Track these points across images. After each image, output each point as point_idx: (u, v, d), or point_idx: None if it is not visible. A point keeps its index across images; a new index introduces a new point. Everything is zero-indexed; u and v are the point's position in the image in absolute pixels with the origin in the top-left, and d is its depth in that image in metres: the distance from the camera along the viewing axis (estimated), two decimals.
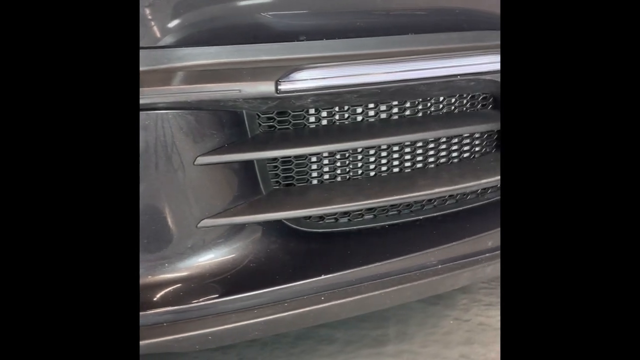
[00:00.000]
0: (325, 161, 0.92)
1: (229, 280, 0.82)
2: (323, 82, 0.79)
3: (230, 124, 0.82)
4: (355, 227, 0.94)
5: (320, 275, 0.84)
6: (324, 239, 0.91)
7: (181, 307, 0.79)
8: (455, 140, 0.99)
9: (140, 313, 0.77)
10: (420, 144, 0.96)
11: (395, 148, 0.95)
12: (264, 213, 0.84)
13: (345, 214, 0.94)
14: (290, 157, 0.89)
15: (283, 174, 0.90)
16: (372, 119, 0.92)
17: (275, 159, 0.88)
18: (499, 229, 0.94)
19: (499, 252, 0.93)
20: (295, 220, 0.90)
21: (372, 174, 0.94)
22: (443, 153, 0.98)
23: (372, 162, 0.94)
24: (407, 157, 0.96)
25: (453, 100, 0.96)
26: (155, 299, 0.80)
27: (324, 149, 0.87)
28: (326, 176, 0.93)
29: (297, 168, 0.90)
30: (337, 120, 0.90)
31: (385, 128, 0.91)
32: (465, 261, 0.91)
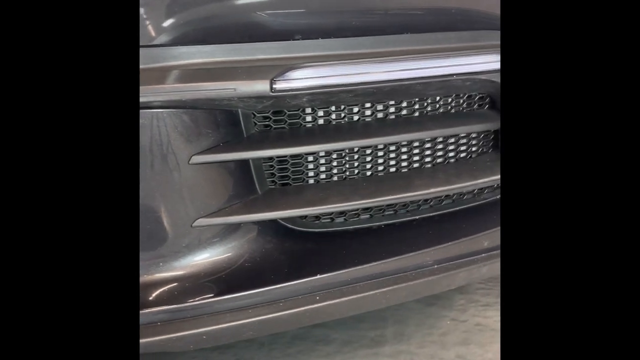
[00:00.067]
0: (322, 161, 0.92)
1: (224, 280, 0.82)
2: (318, 81, 0.79)
3: (226, 123, 0.81)
4: (351, 227, 0.94)
5: (316, 275, 0.84)
6: (319, 238, 0.91)
7: (176, 306, 0.79)
8: (452, 140, 0.98)
9: None
10: (416, 143, 0.96)
11: (392, 148, 0.94)
12: (259, 212, 0.84)
13: (341, 213, 0.94)
14: (285, 156, 0.88)
15: (279, 173, 0.89)
16: (368, 119, 0.92)
17: (271, 159, 0.88)
18: (496, 229, 0.94)
19: (495, 252, 0.93)
20: (291, 219, 0.90)
21: (368, 173, 0.94)
22: (439, 153, 0.98)
23: (369, 162, 0.94)
24: (404, 157, 0.95)
25: (450, 100, 0.96)
26: (149, 298, 0.80)
27: (319, 148, 0.87)
28: (322, 176, 0.92)
29: (292, 167, 0.90)
30: (333, 119, 0.90)
31: (382, 128, 0.91)
32: (461, 261, 0.91)
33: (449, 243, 0.91)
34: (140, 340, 0.76)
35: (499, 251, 0.94)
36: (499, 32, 0.86)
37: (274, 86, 0.76)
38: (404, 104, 0.93)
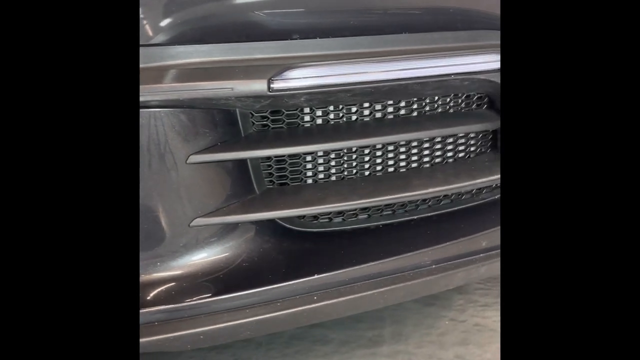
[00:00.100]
0: (320, 160, 0.91)
1: (221, 280, 0.82)
2: (316, 80, 0.79)
3: (223, 123, 0.81)
4: (349, 227, 0.94)
5: (313, 275, 0.84)
6: (317, 238, 0.91)
7: (173, 306, 0.79)
8: (450, 140, 0.98)
9: None
10: (415, 143, 0.96)
11: (390, 147, 0.94)
12: (257, 212, 0.84)
13: (340, 213, 0.93)
14: (283, 156, 0.88)
15: (277, 173, 0.89)
16: (366, 119, 0.92)
17: (268, 158, 0.88)
18: (494, 229, 0.94)
19: (493, 252, 0.93)
20: (289, 219, 0.89)
21: (366, 173, 0.94)
22: (438, 153, 0.98)
23: (367, 162, 0.94)
24: (402, 156, 0.95)
25: (448, 99, 0.96)
26: (147, 298, 0.79)
27: (317, 148, 0.86)
28: (320, 176, 0.92)
29: (290, 167, 0.90)
30: (331, 119, 0.90)
31: (380, 127, 0.91)
32: (459, 261, 0.91)
33: (447, 243, 0.91)
34: None
35: (497, 251, 0.94)
36: (497, 31, 0.86)
37: (271, 86, 0.76)
38: (403, 104, 0.93)
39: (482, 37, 0.86)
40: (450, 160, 0.99)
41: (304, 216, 0.91)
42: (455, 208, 0.98)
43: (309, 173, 0.92)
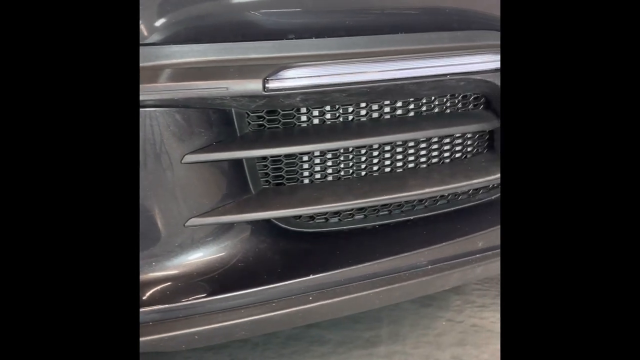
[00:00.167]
0: (316, 160, 0.91)
1: (216, 280, 0.82)
2: (311, 80, 0.79)
3: (219, 123, 0.81)
4: (345, 227, 0.93)
5: (309, 275, 0.83)
6: (313, 238, 0.91)
7: (168, 306, 0.79)
8: (447, 140, 0.98)
9: None
10: (411, 143, 0.95)
11: (387, 148, 0.94)
12: (253, 212, 0.84)
13: (336, 213, 0.93)
14: (279, 156, 0.88)
15: (273, 173, 0.89)
16: (363, 119, 0.92)
17: (264, 158, 0.88)
18: (490, 229, 0.94)
19: (489, 253, 0.93)
20: (285, 219, 0.89)
21: (362, 173, 0.94)
22: (434, 153, 0.98)
23: (363, 162, 0.93)
24: (398, 157, 0.95)
25: (445, 100, 0.96)
26: (142, 297, 0.79)
27: (314, 148, 0.86)
28: (317, 176, 0.92)
29: (286, 167, 0.89)
30: (328, 119, 0.90)
31: (376, 127, 0.90)
32: (455, 262, 0.91)
33: (444, 243, 0.91)
34: None
35: (493, 252, 0.93)
36: (493, 32, 0.86)
37: (266, 85, 0.76)
38: (399, 104, 0.93)
39: (479, 37, 0.86)
40: (447, 160, 0.99)
41: (300, 216, 0.91)
42: (452, 208, 0.98)
43: (305, 173, 0.91)
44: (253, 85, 0.76)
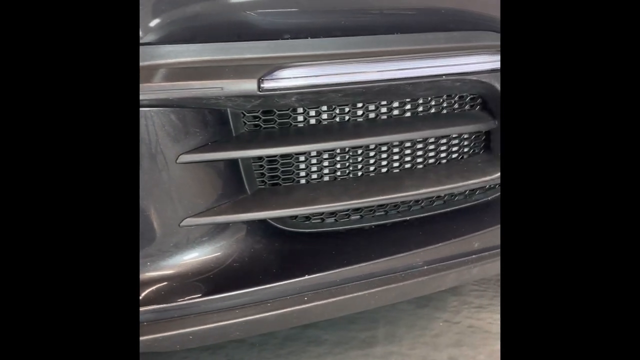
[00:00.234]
0: (312, 161, 0.91)
1: (211, 280, 0.82)
2: (307, 80, 0.78)
3: (214, 123, 0.81)
4: (341, 228, 0.93)
5: (304, 276, 0.83)
6: (309, 239, 0.91)
7: (162, 306, 0.79)
8: (444, 141, 0.98)
9: None
10: (407, 144, 0.95)
11: (383, 148, 0.94)
12: (248, 212, 0.84)
13: (332, 214, 0.93)
14: (275, 156, 0.88)
15: (269, 173, 0.89)
16: (359, 119, 0.92)
17: (260, 158, 0.88)
18: (486, 230, 0.94)
19: (485, 253, 0.93)
20: (281, 220, 0.89)
21: (359, 174, 0.94)
22: (431, 154, 0.98)
23: (359, 162, 0.93)
24: (394, 157, 0.95)
25: (441, 100, 0.96)
26: None
27: (310, 148, 0.86)
28: (313, 176, 0.92)
29: (282, 167, 0.89)
30: (324, 119, 0.90)
31: (372, 128, 0.90)
32: (451, 262, 0.90)
33: (440, 244, 0.91)
34: None
35: (490, 253, 0.93)
36: (489, 32, 0.85)
37: (261, 85, 0.76)
38: (395, 104, 0.93)
39: (475, 38, 0.86)
40: (443, 161, 0.99)
41: (296, 216, 0.91)
42: (448, 209, 0.98)
43: (301, 173, 0.91)
44: (248, 85, 0.76)
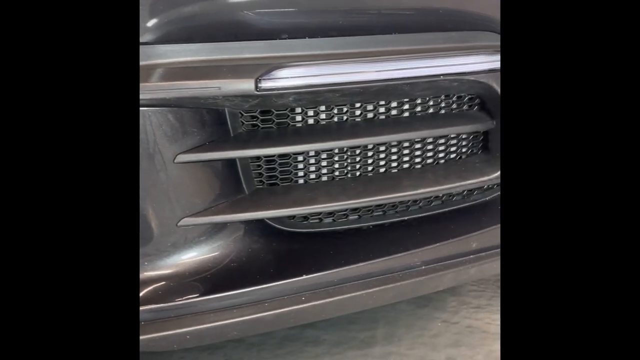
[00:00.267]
0: (310, 160, 0.91)
1: (209, 279, 0.82)
2: (304, 80, 0.78)
3: (212, 122, 0.81)
4: (339, 228, 0.93)
5: (302, 275, 0.83)
6: (307, 238, 0.91)
7: (160, 305, 0.79)
8: (442, 141, 0.98)
9: None
10: (405, 144, 0.95)
11: (381, 148, 0.94)
12: (246, 212, 0.84)
13: (330, 214, 0.93)
14: (273, 156, 0.88)
15: (266, 173, 0.89)
16: (357, 119, 0.92)
17: (258, 158, 0.88)
18: (484, 230, 0.93)
19: (483, 254, 0.92)
20: (279, 219, 0.89)
21: (357, 174, 0.94)
22: (429, 154, 0.97)
23: (357, 162, 0.93)
24: (392, 157, 0.95)
25: (439, 100, 0.96)
26: None
27: (308, 148, 0.86)
28: (311, 176, 0.92)
29: (280, 167, 0.89)
30: (322, 119, 0.90)
31: (370, 128, 0.90)
32: (449, 262, 0.90)
33: (437, 244, 0.91)
34: None
35: (487, 253, 0.93)
36: (486, 32, 0.85)
37: (259, 85, 0.76)
38: (394, 105, 0.93)
39: (472, 38, 0.86)
40: (441, 161, 0.99)
41: (294, 216, 0.91)
42: (446, 209, 0.98)
43: (299, 173, 0.91)
44: (245, 85, 0.76)
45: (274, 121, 0.87)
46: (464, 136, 0.99)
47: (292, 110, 0.88)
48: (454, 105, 0.97)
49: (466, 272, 0.92)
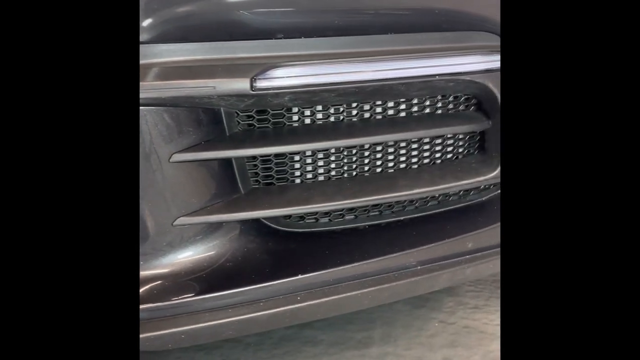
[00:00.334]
0: (306, 160, 0.91)
1: (204, 279, 0.82)
2: (300, 80, 0.79)
3: (208, 122, 0.81)
4: (335, 227, 0.93)
5: (297, 275, 0.83)
6: (303, 238, 0.91)
7: (155, 304, 0.79)
8: (438, 141, 0.98)
9: None
10: (402, 144, 0.95)
11: (377, 148, 0.94)
12: (241, 212, 0.84)
13: (326, 214, 0.93)
14: (269, 155, 0.88)
15: (262, 172, 0.89)
16: (353, 119, 0.92)
17: (254, 158, 0.88)
18: (480, 230, 0.93)
19: (479, 254, 0.92)
20: (274, 219, 0.89)
21: (353, 173, 0.94)
22: (425, 154, 0.97)
23: (353, 162, 0.93)
24: (389, 157, 0.95)
25: (435, 101, 0.96)
26: None
27: (303, 148, 0.86)
28: (308, 175, 0.92)
29: (276, 167, 0.89)
30: (318, 119, 0.90)
31: (366, 128, 0.90)
32: (444, 263, 0.90)
33: (433, 244, 0.91)
34: None
35: (483, 253, 0.93)
36: (482, 33, 0.85)
37: (254, 85, 0.76)
38: (390, 104, 0.93)
39: (468, 38, 0.86)
40: (438, 161, 0.99)
41: (290, 216, 0.91)
42: (442, 209, 0.98)
43: (295, 173, 0.91)
44: (241, 85, 0.76)
45: (270, 121, 0.87)
46: (460, 136, 0.99)
47: (288, 109, 0.88)
48: (450, 106, 0.97)
49: (462, 273, 0.92)
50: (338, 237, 0.92)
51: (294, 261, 0.86)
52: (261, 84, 0.76)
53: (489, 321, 1.18)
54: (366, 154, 0.94)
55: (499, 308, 1.22)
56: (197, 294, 0.80)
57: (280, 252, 0.87)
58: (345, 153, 0.92)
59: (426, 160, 0.98)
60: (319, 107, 0.89)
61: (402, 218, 0.95)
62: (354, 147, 0.92)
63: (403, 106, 0.94)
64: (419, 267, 0.89)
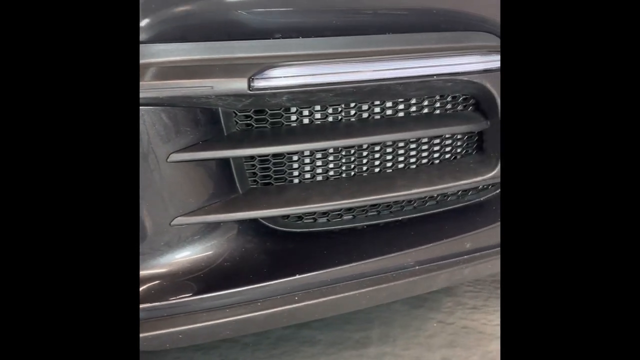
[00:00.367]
0: (304, 160, 0.91)
1: (202, 279, 0.82)
2: (297, 80, 0.78)
3: (205, 122, 0.81)
4: (333, 228, 0.93)
5: (295, 275, 0.83)
6: (301, 238, 0.91)
7: (153, 304, 0.79)
8: (436, 141, 0.98)
9: None
10: (400, 144, 0.95)
11: (376, 148, 0.94)
12: (239, 212, 0.84)
13: (324, 214, 0.93)
14: (267, 155, 0.88)
15: (260, 172, 0.89)
16: (351, 119, 0.92)
17: (252, 158, 0.88)
18: (478, 231, 0.93)
19: (477, 254, 0.92)
20: (272, 219, 0.89)
21: (351, 173, 0.94)
22: (423, 154, 0.97)
23: (351, 162, 0.93)
24: (387, 157, 0.95)
25: (434, 101, 0.96)
26: None
27: (302, 147, 0.86)
28: (306, 175, 0.92)
29: (274, 167, 0.89)
30: (316, 119, 0.90)
31: (364, 128, 0.90)
32: (442, 263, 0.90)
33: (431, 244, 0.91)
34: None
35: (481, 253, 0.93)
36: (481, 33, 0.85)
37: (252, 84, 0.76)
38: (388, 104, 0.93)
39: (466, 38, 0.86)
40: (436, 161, 0.99)
41: (287, 216, 0.91)
42: (440, 209, 0.97)
43: (293, 173, 0.91)
44: (238, 84, 0.76)
45: (267, 121, 0.87)
46: (458, 136, 0.99)
47: (286, 109, 0.88)
48: (449, 106, 0.97)
49: (460, 273, 0.92)
50: (336, 237, 0.92)
51: (292, 261, 0.86)
52: (259, 83, 0.76)
53: (488, 321, 1.18)
54: (364, 154, 0.94)
55: (497, 308, 1.22)
56: (194, 294, 0.80)
57: (278, 252, 0.87)
58: (343, 153, 0.92)
59: (424, 161, 0.98)
60: (317, 107, 0.89)
61: (400, 218, 0.95)
62: (352, 147, 0.92)
63: (401, 106, 0.94)
64: (417, 267, 0.89)
